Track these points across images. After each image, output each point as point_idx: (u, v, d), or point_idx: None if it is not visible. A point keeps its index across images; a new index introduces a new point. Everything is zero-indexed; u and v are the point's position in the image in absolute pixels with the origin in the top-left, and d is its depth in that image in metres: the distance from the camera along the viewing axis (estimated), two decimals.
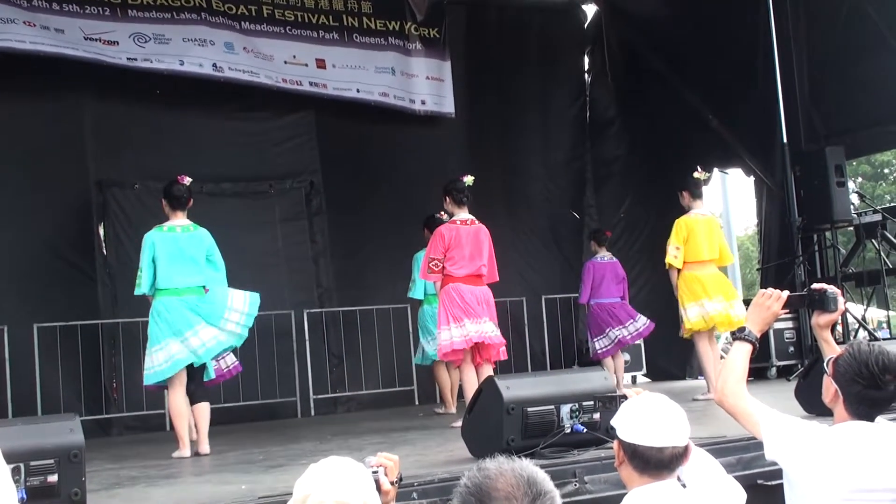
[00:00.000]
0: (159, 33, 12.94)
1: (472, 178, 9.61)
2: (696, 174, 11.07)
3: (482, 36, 15.86)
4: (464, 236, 9.46)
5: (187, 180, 8.84)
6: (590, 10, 17.04)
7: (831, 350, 4.25)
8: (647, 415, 3.46)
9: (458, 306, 9.26)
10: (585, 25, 17.04)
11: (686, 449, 3.46)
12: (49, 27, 12.21)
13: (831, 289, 4.44)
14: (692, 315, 10.70)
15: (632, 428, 3.45)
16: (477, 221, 9.57)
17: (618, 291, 12.77)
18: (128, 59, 12.67)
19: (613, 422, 3.58)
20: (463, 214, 9.57)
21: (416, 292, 11.98)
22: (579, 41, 16.98)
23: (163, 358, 8.42)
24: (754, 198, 15.15)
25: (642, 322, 12.67)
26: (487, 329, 9.26)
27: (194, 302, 8.58)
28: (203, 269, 8.69)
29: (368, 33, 14.59)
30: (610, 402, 5.64)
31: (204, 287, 8.71)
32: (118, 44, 12.64)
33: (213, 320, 8.57)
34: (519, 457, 2.57)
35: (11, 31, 11.93)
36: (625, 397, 3.97)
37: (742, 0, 14.50)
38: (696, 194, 11.06)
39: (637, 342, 13.61)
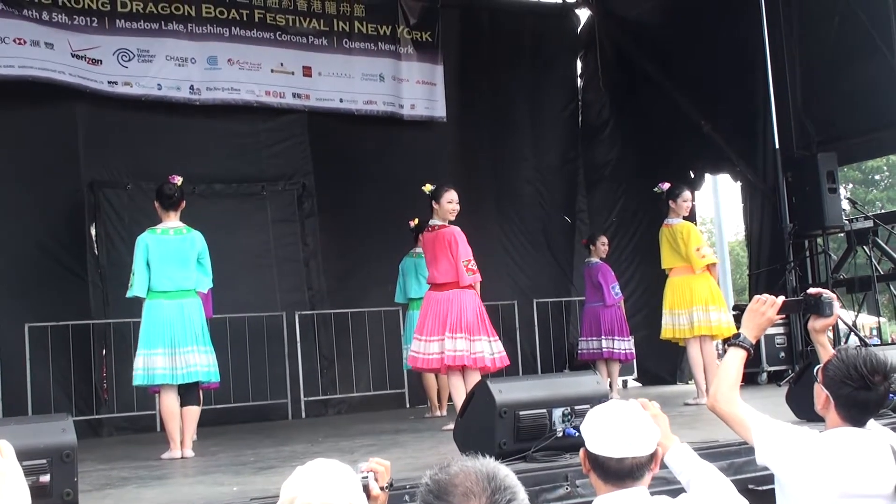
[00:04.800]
0: (144, 49, 13.03)
1: (431, 186, 9.53)
2: (655, 189, 11.12)
3: (475, 39, 15.88)
4: (427, 243, 9.55)
5: (178, 180, 8.84)
6: (583, 14, 17.08)
7: (827, 354, 4.25)
8: (608, 425, 3.42)
9: (434, 316, 9.25)
10: (578, 30, 17.07)
11: (652, 457, 3.44)
12: (39, 42, 12.27)
13: (827, 293, 4.45)
14: (674, 322, 10.83)
15: (593, 438, 3.43)
16: (441, 227, 9.42)
17: (595, 297, 12.78)
18: (109, 82, 12.75)
19: (581, 429, 3.57)
20: (432, 220, 9.57)
21: (398, 297, 12.18)
22: (572, 45, 17.00)
23: (146, 365, 8.47)
24: (741, 203, 15.19)
25: (626, 346, 12.72)
26: (457, 347, 9.17)
27: (189, 308, 8.60)
28: (194, 272, 8.71)
29: (359, 38, 14.62)
30: None
31: (196, 290, 8.74)
32: (102, 63, 12.72)
33: (202, 340, 8.63)
34: (485, 456, 2.53)
35: (1, 53, 12.06)
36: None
37: (735, 6, 14.52)
38: (665, 204, 11.07)
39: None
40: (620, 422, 3.42)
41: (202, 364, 8.59)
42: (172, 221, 8.76)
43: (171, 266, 8.59)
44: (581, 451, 3.50)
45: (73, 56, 12.49)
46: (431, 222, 9.52)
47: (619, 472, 3.37)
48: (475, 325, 9.25)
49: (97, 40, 12.72)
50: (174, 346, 8.47)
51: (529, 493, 5.38)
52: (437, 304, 9.27)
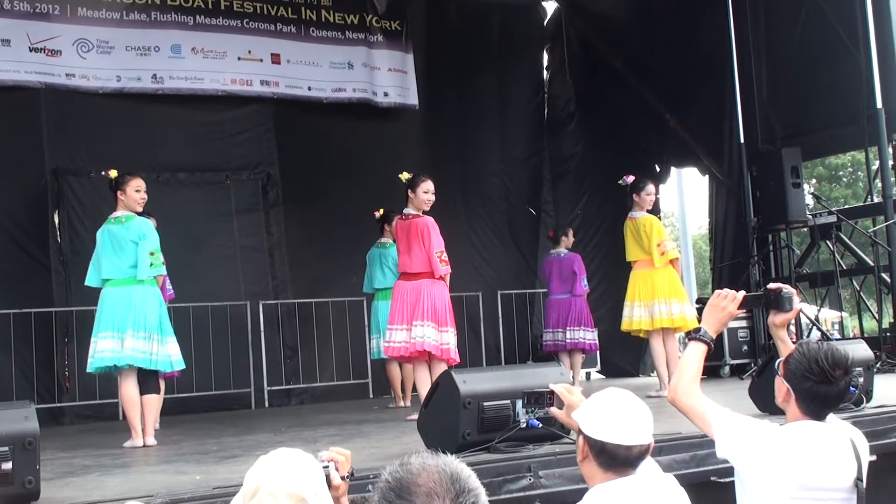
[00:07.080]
0: (104, 40, 12.95)
1: (407, 174, 9.56)
2: (619, 181, 11.13)
3: (442, 31, 15.86)
4: (400, 232, 9.54)
5: (112, 173, 8.86)
6: (550, 6, 17.10)
7: (787, 349, 4.27)
8: (616, 412, 3.42)
9: (402, 305, 9.28)
10: (545, 22, 17.10)
11: (649, 446, 3.46)
12: None
13: (787, 288, 4.47)
14: (633, 314, 10.88)
15: (600, 424, 3.40)
16: (415, 217, 9.44)
17: (562, 288, 12.79)
18: (66, 74, 12.69)
19: (577, 415, 3.55)
20: (406, 209, 9.58)
21: (365, 287, 12.19)
22: (539, 38, 17.04)
23: (96, 349, 8.51)
24: (706, 197, 15.26)
25: (591, 336, 12.75)
26: (425, 334, 9.16)
27: (136, 295, 8.59)
28: (134, 258, 8.70)
29: (326, 27, 14.59)
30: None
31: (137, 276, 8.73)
32: (61, 54, 12.66)
33: (144, 326, 8.60)
34: (444, 453, 2.49)
35: None
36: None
37: (702, 0, 14.57)
38: (629, 197, 11.09)
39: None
40: (628, 409, 3.44)
41: (140, 350, 8.51)
42: (118, 211, 8.81)
43: (113, 254, 8.65)
44: (580, 439, 3.47)
45: (31, 50, 12.44)
46: (406, 211, 9.52)
47: (626, 460, 3.37)
48: (444, 317, 9.27)
49: (57, 29, 12.64)
50: (116, 330, 8.47)
51: (492, 484, 5.42)
52: (407, 293, 9.29)
